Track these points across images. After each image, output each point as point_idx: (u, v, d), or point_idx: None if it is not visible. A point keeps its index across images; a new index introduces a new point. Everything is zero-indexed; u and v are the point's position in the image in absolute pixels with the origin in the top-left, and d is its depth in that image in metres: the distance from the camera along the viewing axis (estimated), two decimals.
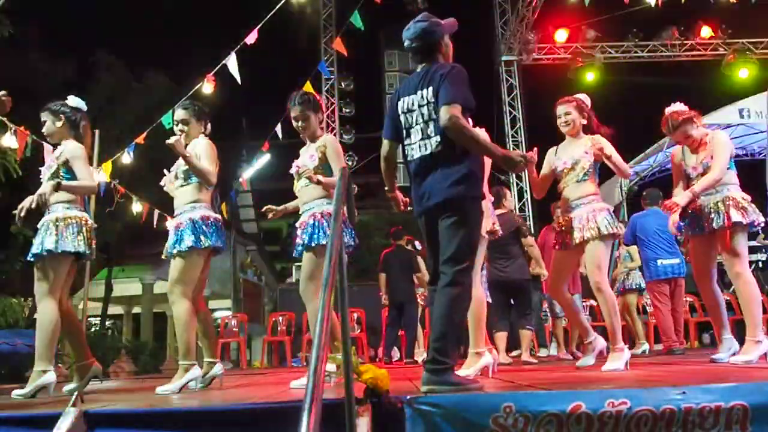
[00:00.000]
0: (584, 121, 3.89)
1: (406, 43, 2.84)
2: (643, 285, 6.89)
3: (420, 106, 2.72)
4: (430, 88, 2.68)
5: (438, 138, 2.64)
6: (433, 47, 2.80)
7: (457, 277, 2.51)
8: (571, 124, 3.87)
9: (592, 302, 7.31)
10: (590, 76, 12.34)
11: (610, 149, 3.74)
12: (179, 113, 3.69)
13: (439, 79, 2.64)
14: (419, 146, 2.71)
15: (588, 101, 3.99)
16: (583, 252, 3.74)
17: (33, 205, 3.40)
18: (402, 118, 2.81)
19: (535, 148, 3.65)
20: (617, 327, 3.60)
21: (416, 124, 2.74)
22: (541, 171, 4.01)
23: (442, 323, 2.47)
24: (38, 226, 3.51)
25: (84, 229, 3.49)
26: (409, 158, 2.79)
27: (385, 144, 2.91)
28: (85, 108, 3.81)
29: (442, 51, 2.83)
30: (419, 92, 2.73)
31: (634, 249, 7.10)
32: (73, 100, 3.76)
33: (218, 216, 3.59)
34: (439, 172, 2.62)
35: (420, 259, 7.48)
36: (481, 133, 2.96)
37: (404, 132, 2.80)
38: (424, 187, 2.68)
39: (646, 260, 6.21)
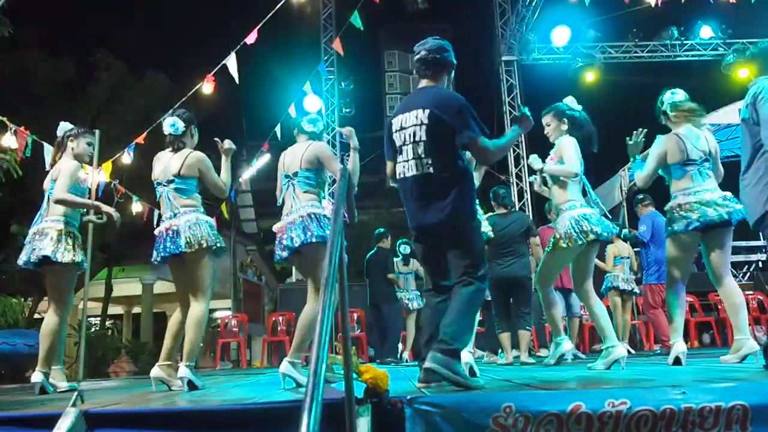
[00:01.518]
0: (564, 127, 3.97)
1: (423, 54, 2.88)
2: (623, 287, 6.88)
3: (413, 125, 2.76)
4: (427, 111, 2.72)
5: (430, 160, 2.70)
6: (445, 65, 2.90)
7: (477, 279, 2.68)
8: (550, 134, 4.01)
9: None
10: (590, 76, 12.34)
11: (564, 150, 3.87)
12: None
13: (451, 114, 2.70)
14: (412, 165, 2.75)
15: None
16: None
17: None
18: (395, 136, 2.84)
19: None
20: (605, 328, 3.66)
21: (409, 142, 2.77)
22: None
23: (457, 312, 2.60)
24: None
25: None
26: (400, 176, 2.82)
27: (389, 165, 2.95)
28: (68, 131, 4.12)
29: (448, 73, 2.93)
30: (416, 111, 2.76)
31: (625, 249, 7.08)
32: (61, 127, 4.12)
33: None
34: (437, 194, 2.69)
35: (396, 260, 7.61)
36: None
37: (398, 150, 2.83)
38: (421, 206, 2.73)
39: (658, 261, 6.14)
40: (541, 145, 4.10)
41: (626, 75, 13.23)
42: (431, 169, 2.70)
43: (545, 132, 4.02)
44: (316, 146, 3.50)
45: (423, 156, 2.71)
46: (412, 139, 2.74)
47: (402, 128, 2.81)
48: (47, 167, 4.03)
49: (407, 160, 2.76)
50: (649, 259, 6.40)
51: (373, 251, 7.74)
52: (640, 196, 6.69)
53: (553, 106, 4.00)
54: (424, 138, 2.71)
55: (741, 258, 10.38)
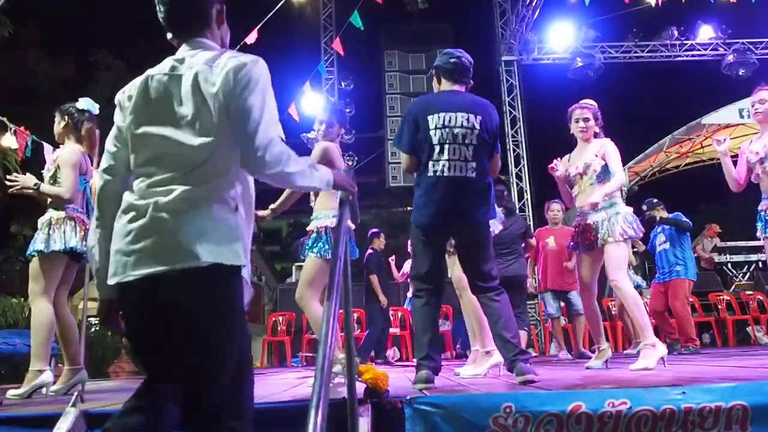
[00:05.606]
0: (597, 129, 3.87)
1: (465, 66, 3.05)
2: (641, 284, 6.97)
3: (464, 127, 2.83)
4: (479, 118, 2.87)
5: (474, 165, 2.83)
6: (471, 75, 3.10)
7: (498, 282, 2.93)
8: (588, 129, 3.84)
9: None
10: (590, 76, 12.33)
11: (612, 155, 3.72)
12: None
13: (495, 126, 2.94)
14: (454, 166, 2.82)
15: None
16: (602, 253, 3.67)
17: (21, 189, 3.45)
18: (433, 132, 2.84)
19: (555, 160, 3.81)
20: (641, 322, 3.47)
21: (453, 142, 2.82)
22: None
23: (513, 322, 2.87)
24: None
25: (78, 227, 3.45)
26: (436, 173, 2.84)
27: (411, 158, 2.96)
28: (95, 110, 3.81)
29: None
30: (467, 114, 2.86)
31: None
32: (82, 102, 3.77)
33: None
34: (476, 198, 2.85)
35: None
36: None
37: (435, 147, 2.84)
38: (455, 206, 2.83)
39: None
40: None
41: (626, 75, 13.24)
42: (474, 174, 2.83)
43: (581, 128, 3.83)
44: None
45: (470, 159, 2.82)
46: (461, 141, 2.82)
47: (445, 126, 2.84)
48: (48, 165, 3.88)
49: (449, 160, 2.82)
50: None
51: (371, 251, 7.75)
52: (655, 200, 6.54)
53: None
54: (474, 143, 2.83)
55: (741, 258, 10.37)
